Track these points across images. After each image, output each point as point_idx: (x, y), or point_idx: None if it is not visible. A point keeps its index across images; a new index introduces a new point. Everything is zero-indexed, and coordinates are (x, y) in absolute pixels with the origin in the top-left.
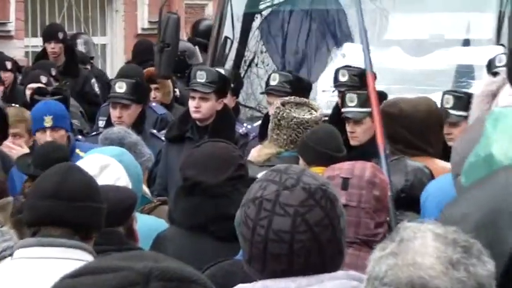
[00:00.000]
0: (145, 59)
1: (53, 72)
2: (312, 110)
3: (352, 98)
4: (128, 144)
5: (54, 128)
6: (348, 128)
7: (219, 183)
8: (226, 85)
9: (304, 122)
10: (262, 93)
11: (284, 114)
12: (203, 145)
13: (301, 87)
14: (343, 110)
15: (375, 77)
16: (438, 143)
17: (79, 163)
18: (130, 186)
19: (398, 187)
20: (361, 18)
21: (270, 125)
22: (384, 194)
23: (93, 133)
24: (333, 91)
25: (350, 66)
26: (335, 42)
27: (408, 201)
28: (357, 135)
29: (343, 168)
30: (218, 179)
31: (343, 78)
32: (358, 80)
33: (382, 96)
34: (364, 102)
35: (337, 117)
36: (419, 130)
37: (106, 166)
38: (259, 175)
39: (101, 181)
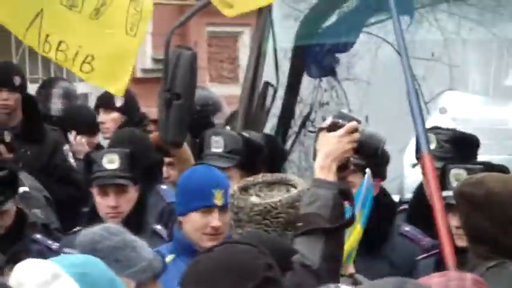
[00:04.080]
0: None
1: (7, 138)
2: (291, 188)
3: (459, 176)
4: (103, 250)
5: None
6: (453, 221)
7: None
8: (257, 155)
9: (271, 207)
10: None
11: (241, 204)
12: (216, 250)
13: (377, 159)
14: (445, 193)
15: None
16: None
17: None
18: None
19: None
20: (401, 40)
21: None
22: None
23: (74, 230)
24: (413, 165)
25: (439, 128)
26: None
27: None
28: None
29: None
30: None
31: (430, 146)
32: (451, 148)
33: (500, 172)
34: None
35: (421, 205)
36: None
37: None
38: None
39: None
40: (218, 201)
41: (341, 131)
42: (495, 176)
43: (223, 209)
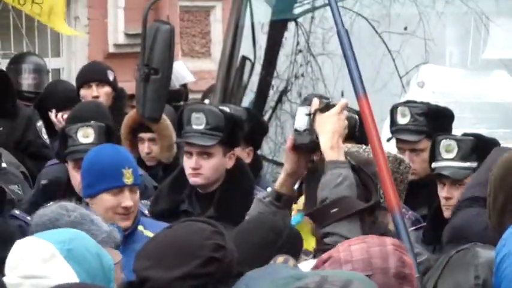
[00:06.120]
0: None
1: None
2: None
3: (449, 147)
4: (63, 227)
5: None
6: (442, 192)
7: (167, 282)
8: (238, 130)
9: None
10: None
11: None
12: (174, 226)
13: (363, 131)
14: (434, 164)
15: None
16: None
17: None
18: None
19: None
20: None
21: None
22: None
23: (46, 205)
24: (388, 139)
25: (414, 102)
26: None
27: None
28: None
29: (352, 257)
30: (169, 275)
31: (403, 119)
32: (426, 121)
33: (490, 144)
34: (468, 153)
35: None
36: None
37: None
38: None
39: None
40: (128, 180)
41: (337, 109)
42: None
43: (133, 187)
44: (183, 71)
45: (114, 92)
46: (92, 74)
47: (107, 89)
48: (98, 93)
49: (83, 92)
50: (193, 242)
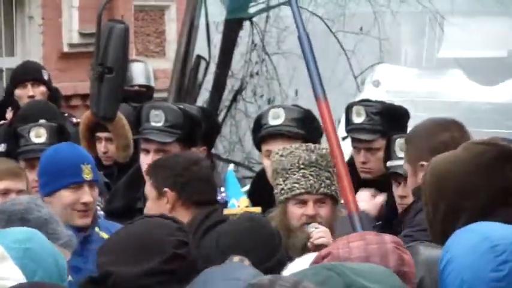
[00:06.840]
0: None
1: None
2: None
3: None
4: (34, 221)
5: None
6: (397, 190)
7: (131, 277)
8: (196, 129)
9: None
10: (258, 139)
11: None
12: (135, 222)
13: (315, 130)
14: (389, 163)
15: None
16: None
17: None
18: None
19: None
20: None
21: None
22: (413, 284)
23: None
24: (343, 138)
25: (369, 101)
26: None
27: None
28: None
29: (351, 255)
30: (132, 270)
31: (359, 118)
32: (381, 120)
33: None
34: None
35: (351, 175)
36: None
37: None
38: None
39: None
40: (87, 175)
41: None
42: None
43: (92, 184)
44: (149, 73)
45: (49, 92)
46: (26, 73)
47: (42, 89)
48: (33, 93)
49: (18, 92)
50: (156, 238)
